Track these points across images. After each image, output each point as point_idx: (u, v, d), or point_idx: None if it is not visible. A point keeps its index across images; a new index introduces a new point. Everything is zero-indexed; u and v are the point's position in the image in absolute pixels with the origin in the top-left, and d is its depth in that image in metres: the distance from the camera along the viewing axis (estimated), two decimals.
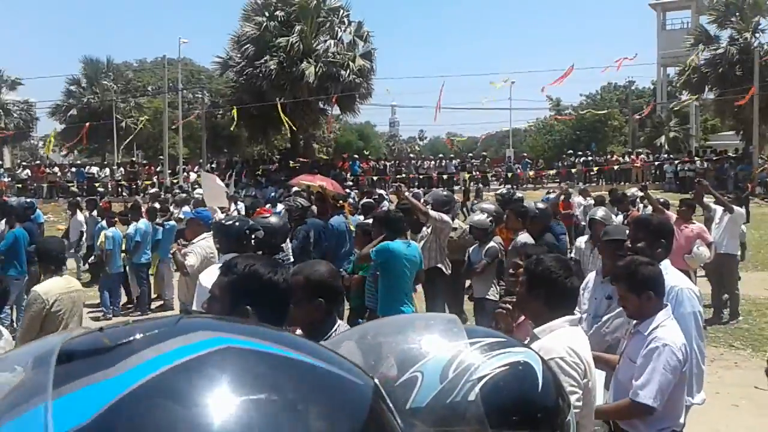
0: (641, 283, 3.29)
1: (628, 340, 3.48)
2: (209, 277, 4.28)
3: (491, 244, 7.01)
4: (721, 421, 4.07)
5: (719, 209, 9.69)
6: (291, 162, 32.36)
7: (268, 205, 13.31)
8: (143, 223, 11.07)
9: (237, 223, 5.14)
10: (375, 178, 31.97)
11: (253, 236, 5.17)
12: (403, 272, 5.85)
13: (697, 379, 3.63)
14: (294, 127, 30.88)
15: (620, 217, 10.30)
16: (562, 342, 2.67)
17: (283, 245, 7.00)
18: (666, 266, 3.77)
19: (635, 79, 53.66)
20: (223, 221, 5.33)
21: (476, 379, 1.04)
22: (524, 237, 6.57)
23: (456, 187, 28.94)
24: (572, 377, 2.57)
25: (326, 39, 33.29)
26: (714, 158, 32.70)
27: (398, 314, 5.73)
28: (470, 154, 40.46)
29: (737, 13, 33.57)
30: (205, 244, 6.10)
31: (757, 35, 33.45)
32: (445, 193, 8.26)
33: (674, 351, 3.17)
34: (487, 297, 6.73)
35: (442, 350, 1.09)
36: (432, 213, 7.32)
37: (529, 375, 1.07)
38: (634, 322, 3.43)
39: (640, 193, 11.44)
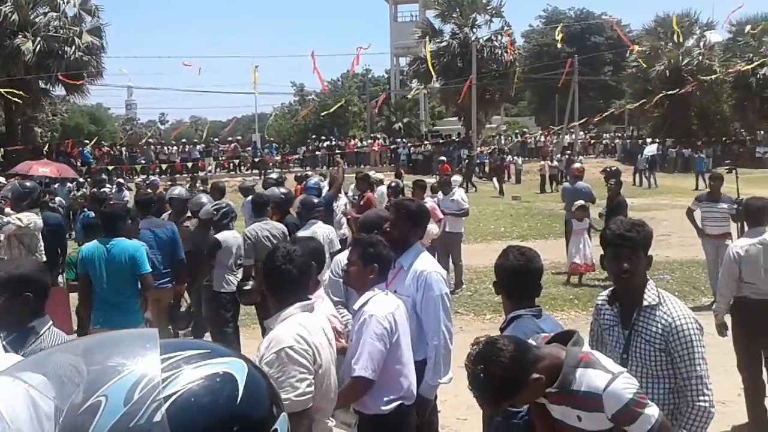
0: (373, 256, 3.41)
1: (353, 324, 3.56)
2: None
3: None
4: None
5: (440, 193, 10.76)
6: (7, 148, 28.47)
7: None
8: None
9: None
10: (110, 167, 29.45)
11: None
12: (98, 278, 5.30)
13: (444, 359, 3.74)
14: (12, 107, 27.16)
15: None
16: (291, 330, 2.72)
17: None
18: (418, 250, 3.93)
19: (372, 67, 56.77)
20: None
21: (163, 398, 0.94)
22: (257, 225, 6.54)
23: (201, 173, 28.02)
24: (302, 365, 2.65)
25: (46, 11, 29.91)
26: (441, 141, 36.01)
27: (92, 324, 5.35)
28: (216, 139, 39.48)
29: (458, 9, 37.20)
30: None
31: (474, 30, 37.46)
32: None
33: (379, 320, 3.25)
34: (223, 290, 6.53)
35: (130, 370, 0.98)
36: None
37: (227, 387, 0.99)
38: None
39: (380, 176, 12.29)
